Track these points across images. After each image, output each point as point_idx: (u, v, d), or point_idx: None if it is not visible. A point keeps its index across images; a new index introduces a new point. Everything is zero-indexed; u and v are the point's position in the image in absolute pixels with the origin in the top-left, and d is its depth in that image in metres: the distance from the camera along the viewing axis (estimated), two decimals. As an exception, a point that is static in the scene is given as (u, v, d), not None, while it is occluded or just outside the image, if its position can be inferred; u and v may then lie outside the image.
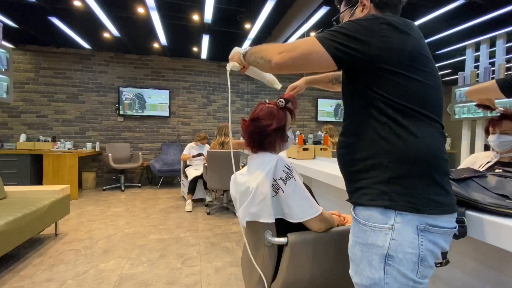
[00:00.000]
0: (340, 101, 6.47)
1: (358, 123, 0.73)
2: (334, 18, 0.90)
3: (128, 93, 5.17)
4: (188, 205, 3.61)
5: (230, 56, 0.99)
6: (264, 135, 1.05)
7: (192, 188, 3.75)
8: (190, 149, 4.17)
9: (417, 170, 0.65)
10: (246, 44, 4.58)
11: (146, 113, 5.31)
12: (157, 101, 5.36)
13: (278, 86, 1.14)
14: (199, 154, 4.05)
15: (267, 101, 1.13)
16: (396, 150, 0.66)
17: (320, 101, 6.39)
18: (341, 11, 0.89)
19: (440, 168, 0.67)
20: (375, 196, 0.67)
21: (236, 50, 0.97)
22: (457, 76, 3.74)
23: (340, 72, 1.14)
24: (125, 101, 5.17)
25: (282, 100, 1.08)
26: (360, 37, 0.66)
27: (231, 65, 0.98)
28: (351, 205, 0.76)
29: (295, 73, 0.76)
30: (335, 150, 3.54)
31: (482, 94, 1.30)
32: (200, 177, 3.77)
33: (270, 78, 1.12)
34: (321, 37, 0.69)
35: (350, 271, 0.75)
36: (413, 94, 0.67)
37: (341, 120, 0.91)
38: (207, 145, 4.27)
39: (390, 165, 0.66)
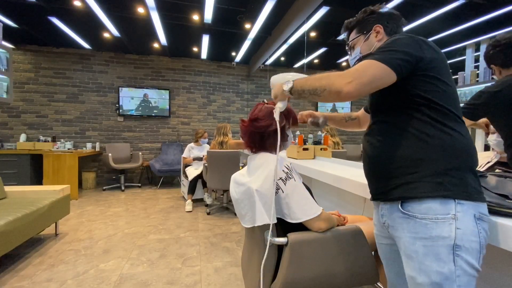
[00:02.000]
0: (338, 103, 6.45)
1: (399, 123, 0.77)
2: (348, 42, 0.99)
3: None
4: (188, 205, 3.61)
5: (273, 92, 0.96)
6: (265, 136, 1.05)
7: (192, 188, 3.75)
8: (190, 149, 4.17)
9: (464, 162, 0.70)
10: (246, 44, 4.58)
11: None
12: (157, 101, 5.36)
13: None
14: (196, 158, 4.04)
15: (266, 101, 1.13)
16: (445, 145, 0.71)
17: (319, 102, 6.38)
18: (352, 37, 0.96)
19: (476, 161, 0.74)
20: (430, 188, 0.69)
21: (278, 83, 0.93)
22: (457, 76, 3.74)
23: (351, 113, 1.29)
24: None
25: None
26: (411, 50, 0.72)
27: (280, 106, 0.95)
28: (387, 203, 0.77)
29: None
30: (336, 150, 3.53)
31: None
32: (200, 176, 3.77)
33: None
34: (380, 58, 0.72)
35: (410, 272, 0.71)
36: (449, 97, 0.74)
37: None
38: (207, 145, 4.27)
39: (440, 159, 0.70)
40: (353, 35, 0.97)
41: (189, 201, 3.66)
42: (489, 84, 1.27)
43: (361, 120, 1.25)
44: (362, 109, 1.24)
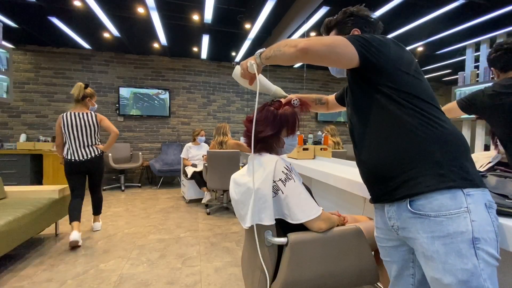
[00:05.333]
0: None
1: (387, 122, 0.76)
2: None
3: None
4: (207, 196, 3.60)
5: (242, 73, 0.98)
6: (256, 139, 1.05)
7: (200, 181, 3.70)
8: (188, 149, 4.16)
9: (459, 150, 0.71)
10: (246, 44, 4.58)
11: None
12: (157, 101, 5.36)
13: (285, 94, 1.13)
14: (194, 165, 4.02)
15: (273, 100, 1.11)
16: (437, 136, 0.71)
17: (320, 101, 6.39)
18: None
19: (468, 148, 0.74)
20: (434, 181, 0.68)
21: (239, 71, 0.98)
22: (457, 76, 3.74)
23: (322, 95, 1.33)
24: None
25: (297, 100, 1.09)
26: (380, 43, 0.76)
27: (250, 62, 0.93)
28: (393, 204, 0.76)
29: (313, 64, 0.78)
30: (336, 150, 3.53)
31: (449, 114, 1.38)
32: (199, 174, 3.76)
33: (276, 90, 1.11)
34: (348, 37, 0.75)
35: (434, 274, 0.68)
36: (426, 90, 0.76)
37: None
38: (205, 144, 4.26)
39: (436, 150, 0.70)
40: (331, 36, 0.99)
41: (206, 193, 3.64)
42: (489, 84, 1.29)
43: (329, 105, 1.33)
44: (333, 96, 1.29)
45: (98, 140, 2.69)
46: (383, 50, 0.75)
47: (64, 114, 2.55)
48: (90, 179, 2.73)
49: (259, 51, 0.91)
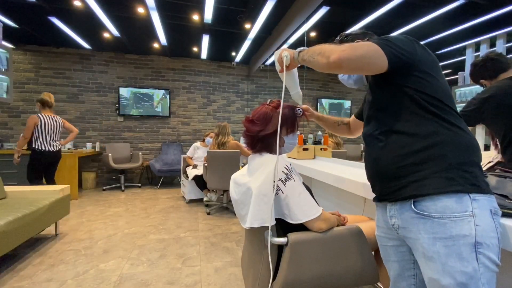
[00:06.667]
0: (338, 101, 6.48)
1: (402, 122, 0.76)
2: None
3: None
4: (210, 195, 3.61)
5: (278, 65, 0.98)
6: (256, 139, 1.05)
7: (203, 184, 3.69)
8: (196, 149, 4.13)
9: (471, 156, 0.71)
10: (246, 44, 4.58)
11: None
12: (157, 101, 5.36)
13: (299, 103, 1.13)
14: (195, 166, 4.01)
15: (272, 100, 1.11)
16: (451, 140, 0.71)
17: (320, 101, 6.39)
18: None
19: (480, 155, 0.75)
20: (441, 183, 0.68)
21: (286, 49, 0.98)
22: (457, 76, 3.74)
23: (344, 118, 1.31)
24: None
25: (300, 109, 1.09)
26: (405, 47, 0.75)
27: (285, 53, 0.93)
28: (396, 203, 0.76)
29: (339, 72, 0.82)
30: (336, 150, 3.52)
31: None
32: (200, 176, 3.76)
33: (297, 93, 1.09)
34: (376, 42, 0.75)
35: (432, 274, 0.69)
36: (447, 95, 0.76)
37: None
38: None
39: (448, 154, 0.70)
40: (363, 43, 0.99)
41: (209, 194, 3.65)
42: (478, 88, 1.37)
43: (351, 127, 1.29)
44: (353, 116, 1.26)
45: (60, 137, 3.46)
46: (410, 50, 0.75)
47: (40, 115, 3.20)
48: (52, 169, 3.37)
49: (301, 48, 0.92)
